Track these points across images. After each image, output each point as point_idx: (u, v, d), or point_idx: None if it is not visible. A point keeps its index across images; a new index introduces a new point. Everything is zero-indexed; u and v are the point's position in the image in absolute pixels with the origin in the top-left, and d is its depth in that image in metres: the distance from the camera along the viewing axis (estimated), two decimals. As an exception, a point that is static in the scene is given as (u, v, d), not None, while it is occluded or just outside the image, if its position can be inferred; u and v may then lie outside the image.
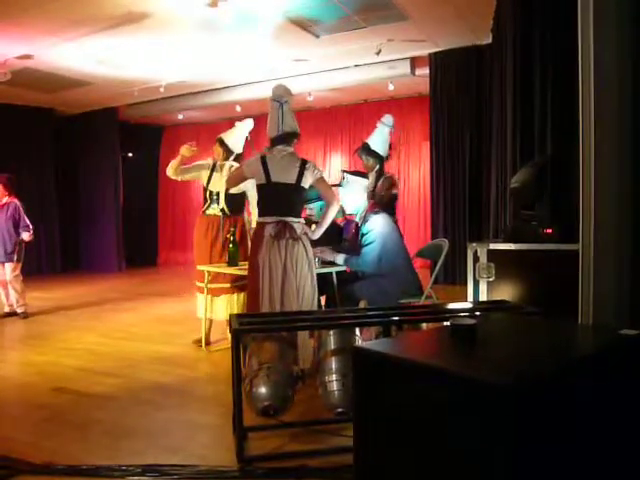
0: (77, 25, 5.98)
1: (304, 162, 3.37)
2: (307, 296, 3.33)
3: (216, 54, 7.26)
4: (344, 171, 4.09)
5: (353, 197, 3.91)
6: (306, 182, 3.36)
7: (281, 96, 3.37)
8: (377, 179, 4.18)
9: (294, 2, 5.58)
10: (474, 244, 3.31)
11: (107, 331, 5.29)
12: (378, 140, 4.23)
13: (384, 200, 4.09)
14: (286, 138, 3.36)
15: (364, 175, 4.05)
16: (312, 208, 4.44)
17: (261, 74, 8.21)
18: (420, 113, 9.21)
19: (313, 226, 4.53)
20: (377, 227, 3.78)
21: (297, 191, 3.36)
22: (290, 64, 7.73)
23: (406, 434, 1.38)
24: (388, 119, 4.27)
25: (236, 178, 3.61)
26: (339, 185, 3.97)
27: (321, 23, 6.17)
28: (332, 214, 3.49)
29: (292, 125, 3.39)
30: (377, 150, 4.19)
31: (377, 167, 4.20)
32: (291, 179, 3.31)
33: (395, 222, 4.06)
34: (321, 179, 3.45)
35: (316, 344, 2.75)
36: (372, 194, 4.04)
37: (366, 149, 4.23)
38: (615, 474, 1.44)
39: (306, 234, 3.38)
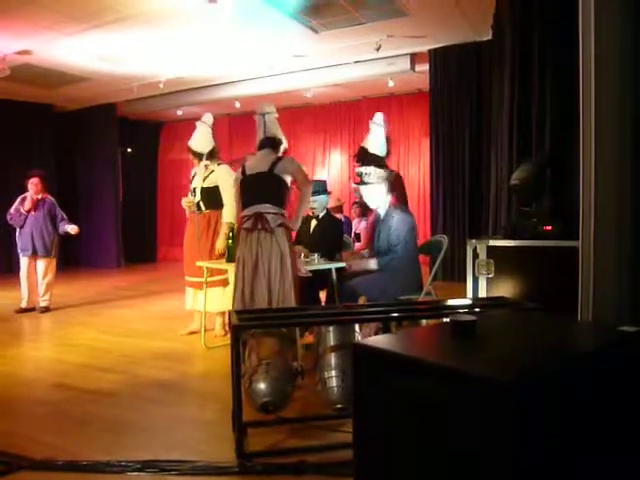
0: (76, 20, 5.96)
1: (281, 157, 3.53)
2: (280, 294, 3.27)
3: (215, 50, 7.24)
4: (359, 166, 4.05)
5: (376, 192, 3.90)
6: (281, 171, 3.41)
7: (262, 109, 3.60)
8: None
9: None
10: (473, 241, 3.32)
11: (107, 327, 5.29)
12: (374, 141, 4.21)
13: (404, 199, 4.13)
14: (268, 143, 3.54)
15: (379, 165, 4.01)
16: (315, 201, 4.41)
17: (260, 70, 8.20)
18: (420, 109, 9.20)
19: (314, 222, 4.53)
20: (403, 227, 3.77)
21: (270, 179, 3.40)
22: (289, 60, 7.71)
23: (406, 430, 1.38)
24: (379, 118, 4.26)
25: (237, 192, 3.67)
26: (361, 183, 3.95)
27: (320, 17, 6.14)
28: (306, 201, 3.59)
29: (275, 132, 3.59)
30: (375, 152, 4.18)
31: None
32: (263, 168, 3.41)
33: None
34: (298, 169, 3.55)
35: (315, 340, 2.75)
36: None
37: (364, 153, 4.21)
38: (616, 471, 1.44)
39: (283, 225, 3.36)
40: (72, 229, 6.09)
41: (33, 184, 6.08)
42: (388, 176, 3.91)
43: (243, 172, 3.51)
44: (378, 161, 4.18)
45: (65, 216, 6.22)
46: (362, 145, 4.30)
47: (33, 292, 6.11)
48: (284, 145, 3.69)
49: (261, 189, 3.42)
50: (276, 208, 3.35)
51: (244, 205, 3.45)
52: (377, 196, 3.93)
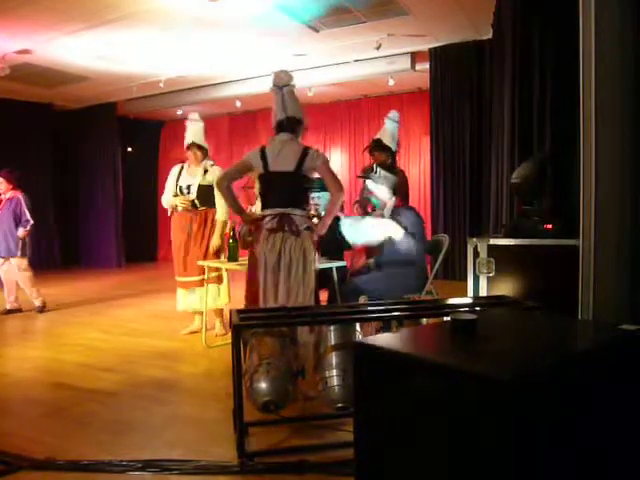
0: (76, 20, 5.96)
1: (306, 149, 3.17)
2: (300, 296, 3.13)
3: (216, 49, 7.24)
4: (377, 165, 4.03)
5: (381, 192, 3.89)
6: (307, 169, 3.15)
7: (281, 79, 3.23)
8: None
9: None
10: (474, 239, 3.32)
11: (107, 327, 5.29)
12: (388, 136, 4.24)
13: (406, 197, 4.13)
14: (289, 125, 3.20)
15: (391, 171, 4.01)
16: (319, 197, 4.37)
17: (261, 69, 8.19)
18: (420, 108, 9.19)
19: (315, 220, 4.50)
20: (414, 224, 3.76)
21: (297, 180, 3.15)
22: (290, 59, 7.70)
23: (406, 428, 1.38)
24: (394, 114, 4.30)
25: (240, 168, 3.37)
26: (368, 177, 3.93)
27: (320, 17, 6.15)
28: (338, 205, 3.24)
29: (296, 111, 3.22)
30: (389, 145, 4.21)
31: (389, 162, 4.22)
32: (289, 167, 3.12)
33: None
34: (324, 165, 3.18)
35: (316, 340, 2.75)
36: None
37: (379, 145, 4.23)
38: (615, 470, 1.44)
39: (309, 228, 3.17)
40: (20, 232, 5.94)
41: None
42: (393, 182, 3.89)
43: (265, 165, 3.15)
44: (389, 154, 4.21)
45: (28, 216, 6.01)
46: (377, 137, 4.32)
47: (13, 293, 6.05)
48: (305, 124, 3.30)
49: (287, 191, 3.15)
50: (302, 211, 3.16)
51: (266, 204, 3.20)
52: (379, 197, 3.93)
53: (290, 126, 3.21)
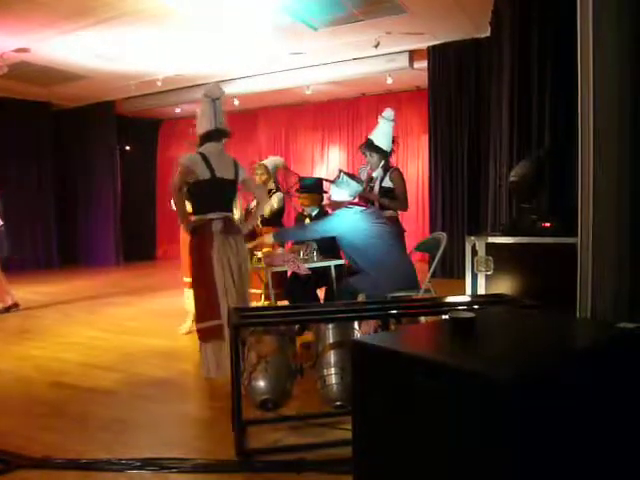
0: (74, 18, 5.94)
1: (233, 159, 3.51)
2: (246, 294, 3.48)
3: (214, 47, 7.23)
4: (342, 171, 4.05)
5: (341, 197, 3.89)
6: (240, 178, 3.48)
7: (214, 92, 3.41)
8: (384, 173, 4.17)
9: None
10: (472, 237, 3.32)
11: (105, 325, 5.28)
12: (381, 135, 4.22)
13: (405, 196, 4.15)
14: (219, 136, 3.41)
15: (359, 181, 4.02)
16: (307, 198, 4.34)
17: (259, 67, 8.18)
18: (418, 106, 9.19)
19: (307, 221, 4.50)
20: (340, 215, 3.79)
21: (235, 187, 3.49)
22: (288, 57, 7.70)
23: (405, 427, 1.38)
24: (389, 113, 4.27)
25: (182, 175, 3.40)
26: (333, 182, 3.95)
27: (319, 16, 6.15)
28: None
29: (224, 123, 3.44)
30: (381, 145, 4.19)
31: (382, 162, 4.20)
32: (231, 174, 3.41)
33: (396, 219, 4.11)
34: (250, 176, 3.74)
35: (314, 338, 2.75)
36: (383, 191, 4.06)
37: (370, 145, 4.21)
38: (615, 468, 1.44)
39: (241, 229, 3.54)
40: None
41: None
42: (355, 190, 3.90)
43: (212, 172, 3.29)
44: (381, 154, 4.20)
45: None
46: (369, 137, 4.30)
47: (3, 291, 6.01)
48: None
49: (229, 196, 3.47)
50: (233, 214, 3.54)
51: (210, 208, 3.34)
52: (337, 202, 3.92)
53: (220, 137, 3.42)
